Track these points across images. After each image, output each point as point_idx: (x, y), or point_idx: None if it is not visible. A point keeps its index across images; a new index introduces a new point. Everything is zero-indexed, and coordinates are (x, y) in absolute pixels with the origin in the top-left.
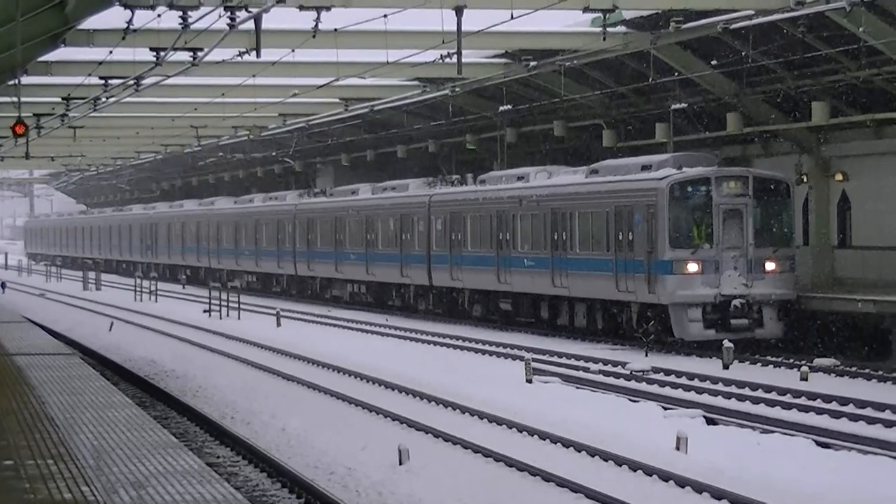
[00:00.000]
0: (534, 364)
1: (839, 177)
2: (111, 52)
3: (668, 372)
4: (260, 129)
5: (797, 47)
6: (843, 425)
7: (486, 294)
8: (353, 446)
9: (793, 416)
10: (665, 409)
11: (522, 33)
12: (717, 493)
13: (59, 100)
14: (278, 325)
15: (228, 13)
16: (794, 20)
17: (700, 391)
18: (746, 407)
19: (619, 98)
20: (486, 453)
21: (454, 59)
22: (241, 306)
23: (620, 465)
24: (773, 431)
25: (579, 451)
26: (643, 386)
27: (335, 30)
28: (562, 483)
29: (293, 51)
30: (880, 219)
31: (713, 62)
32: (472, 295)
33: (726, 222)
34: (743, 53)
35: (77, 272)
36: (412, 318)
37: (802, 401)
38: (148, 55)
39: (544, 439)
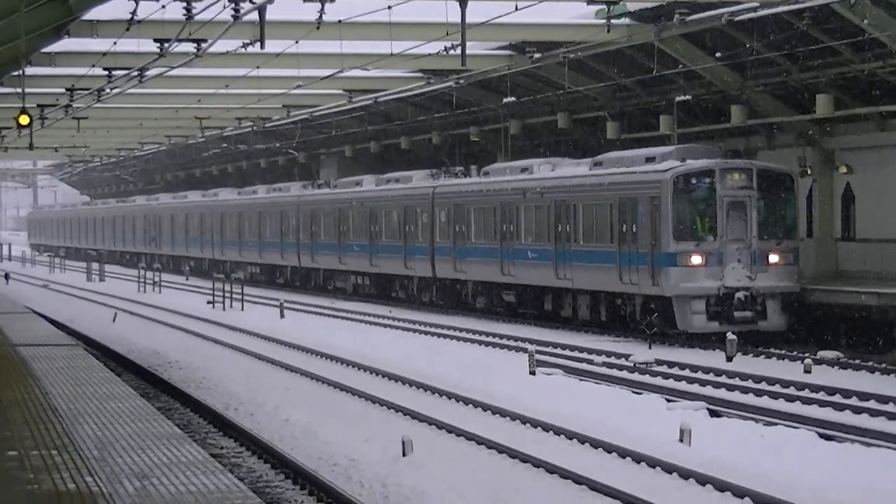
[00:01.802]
0: (537, 356)
1: (843, 169)
2: (115, 44)
3: (671, 364)
4: (264, 121)
5: (801, 39)
6: (846, 418)
7: (490, 286)
8: (357, 438)
9: (796, 408)
10: (668, 401)
11: (526, 25)
12: (720, 486)
13: (62, 91)
14: (282, 316)
15: (232, 4)
16: (799, 12)
17: (703, 383)
18: (750, 399)
19: (623, 90)
20: (490, 445)
21: (458, 50)
22: (245, 298)
23: (624, 458)
24: (776, 424)
25: (582, 443)
26: (646, 378)
27: (339, 21)
28: (565, 475)
29: (297, 42)
30: (884, 211)
31: (717, 54)
32: (476, 287)
33: (730, 215)
34: (747, 45)
35: (80, 263)
36: (416, 310)
37: (805, 393)
38: (152, 46)
39: (547, 431)
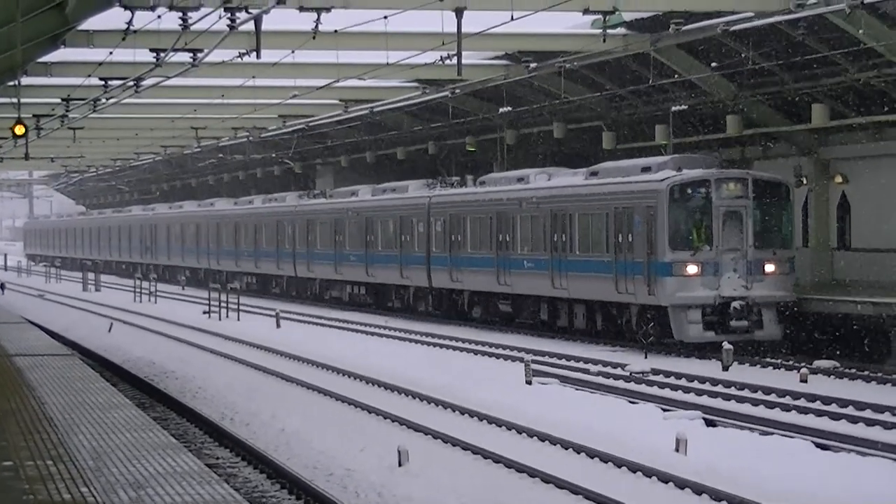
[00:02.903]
0: (533, 365)
1: (839, 179)
2: (111, 53)
3: (667, 373)
4: (260, 131)
5: (797, 49)
6: (843, 427)
7: (486, 296)
8: (353, 447)
9: (792, 417)
10: (664, 410)
11: (522, 35)
12: (716, 495)
13: (58, 101)
14: (278, 326)
15: (228, 14)
16: (794, 22)
17: (699, 393)
18: (746, 409)
19: (618, 100)
20: (486, 455)
21: (454, 60)
22: (241, 307)
23: (620, 467)
24: (772, 433)
25: (579, 453)
26: (643, 387)
27: (335, 31)
28: (561, 484)
29: (293, 52)
30: (880, 221)
31: (713, 64)
32: (472, 296)
33: (726, 224)
34: (743, 55)
35: (76, 273)
36: (412, 320)
37: (802, 402)
38: (148, 56)
39: (544, 441)
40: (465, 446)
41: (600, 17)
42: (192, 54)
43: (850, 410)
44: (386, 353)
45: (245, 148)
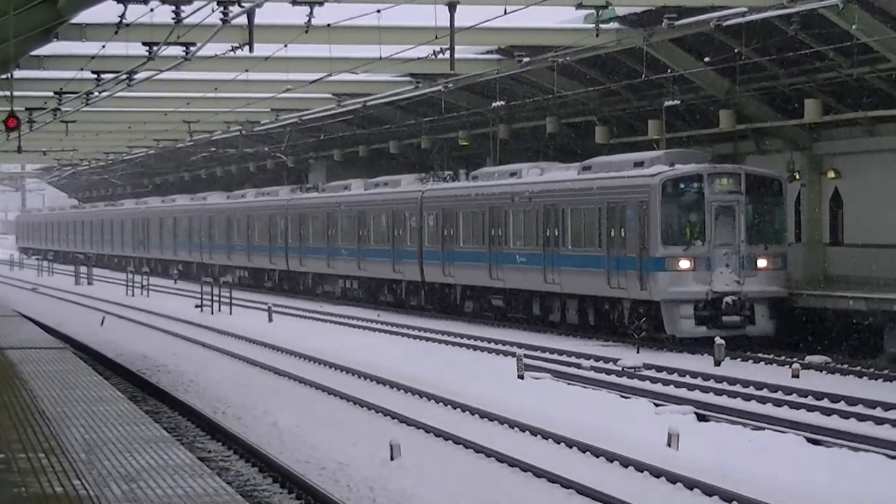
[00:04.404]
0: (525, 360)
1: (831, 174)
2: (104, 47)
3: (659, 368)
4: (252, 124)
5: (790, 44)
6: (834, 422)
7: (479, 290)
8: (345, 441)
9: (784, 412)
10: (656, 405)
11: (515, 29)
12: (707, 490)
13: (51, 94)
14: (270, 320)
15: (221, 8)
16: (787, 17)
17: (691, 388)
18: (738, 404)
19: (611, 95)
20: (478, 449)
21: (447, 54)
22: (233, 301)
23: (612, 462)
24: (764, 428)
25: (571, 447)
26: (635, 382)
27: (328, 25)
28: (553, 479)
29: (286, 46)
30: (872, 216)
31: (706, 59)
32: (464, 291)
33: (718, 219)
34: (736, 50)
35: (69, 267)
36: (404, 314)
37: (794, 398)
38: (140, 50)
39: (536, 435)
40: (457, 440)
41: (593, 11)
42: (184, 48)
43: (841, 405)
44: (378, 347)
45: (238, 142)
